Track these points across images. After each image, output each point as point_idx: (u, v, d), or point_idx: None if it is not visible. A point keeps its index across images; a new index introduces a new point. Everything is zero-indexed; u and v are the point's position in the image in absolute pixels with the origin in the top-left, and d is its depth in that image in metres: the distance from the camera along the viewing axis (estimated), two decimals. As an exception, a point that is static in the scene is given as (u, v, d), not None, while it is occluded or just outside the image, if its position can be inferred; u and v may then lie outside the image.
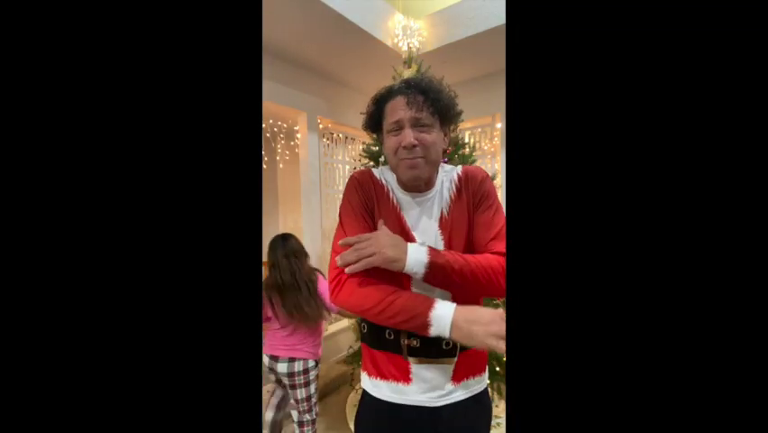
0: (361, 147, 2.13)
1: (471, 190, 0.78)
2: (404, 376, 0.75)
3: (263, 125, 3.03)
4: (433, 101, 0.72)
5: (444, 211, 0.77)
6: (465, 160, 2.00)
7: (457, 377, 0.75)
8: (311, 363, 1.56)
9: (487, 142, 2.76)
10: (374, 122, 0.80)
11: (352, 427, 1.90)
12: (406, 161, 0.72)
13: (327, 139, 2.71)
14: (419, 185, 0.76)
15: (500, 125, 2.66)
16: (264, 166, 3.77)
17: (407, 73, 1.81)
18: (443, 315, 0.63)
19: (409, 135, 0.70)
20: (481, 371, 0.80)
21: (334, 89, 2.65)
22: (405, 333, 0.72)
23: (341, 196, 3.09)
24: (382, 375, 0.77)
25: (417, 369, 0.74)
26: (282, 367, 1.54)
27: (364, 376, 0.82)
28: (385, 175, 0.82)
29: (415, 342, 0.72)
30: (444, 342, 0.71)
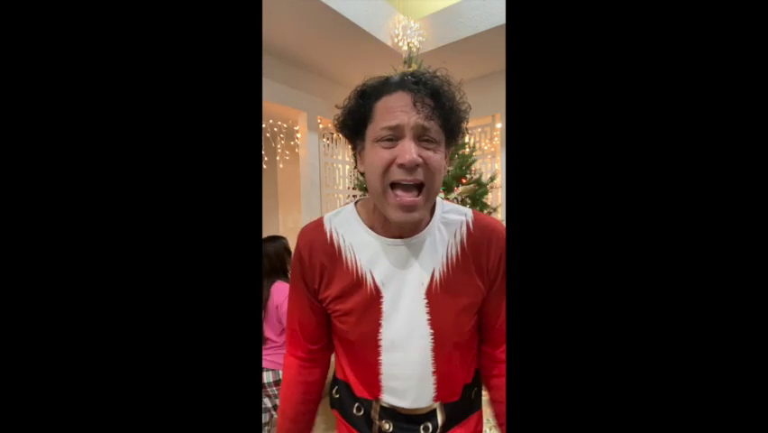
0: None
1: (492, 261, 0.55)
2: None
3: (263, 125, 3.03)
4: (445, 111, 0.50)
5: (437, 275, 0.54)
6: (465, 160, 2.00)
7: None
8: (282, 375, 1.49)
9: (487, 142, 2.76)
10: (355, 122, 0.53)
11: (351, 427, 1.89)
12: (398, 192, 0.48)
13: (327, 139, 2.71)
14: (405, 229, 0.54)
15: (500, 125, 2.66)
16: (264, 166, 3.77)
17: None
18: None
19: (411, 150, 0.47)
20: None
21: (334, 89, 2.65)
22: (376, 411, 0.58)
23: (341, 196, 3.08)
24: None
25: None
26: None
27: None
28: (334, 223, 0.58)
29: (387, 425, 0.57)
30: (423, 426, 0.57)
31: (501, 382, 0.60)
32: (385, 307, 0.54)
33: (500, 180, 2.61)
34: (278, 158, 3.56)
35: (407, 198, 0.48)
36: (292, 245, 1.59)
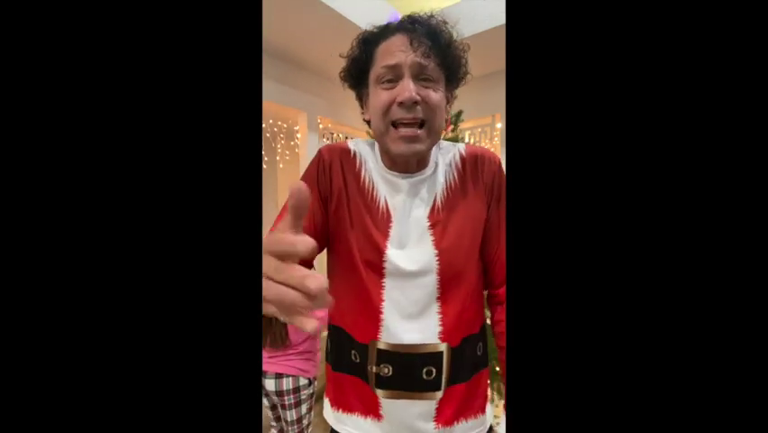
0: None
1: (486, 179, 0.59)
2: (373, 410, 0.57)
3: (263, 125, 3.03)
4: (442, 49, 0.51)
5: (439, 200, 0.57)
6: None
7: (443, 418, 0.55)
8: (302, 382, 1.36)
9: (487, 142, 2.76)
10: (357, 69, 0.55)
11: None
12: (401, 128, 0.50)
13: (327, 139, 2.70)
14: (411, 163, 0.57)
15: (500, 125, 2.66)
16: (264, 166, 3.77)
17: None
18: None
19: (410, 87, 0.49)
20: (479, 410, 0.60)
21: (334, 89, 2.65)
22: (373, 357, 0.55)
23: (341, 196, 3.09)
24: (347, 407, 0.59)
25: (389, 405, 0.55)
26: (270, 384, 1.35)
27: (326, 405, 0.63)
28: (359, 147, 0.60)
29: (386, 369, 0.55)
30: (426, 370, 0.54)
31: (504, 326, 0.59)
32: (392, 231, 0.55)
33: (500, 180, 2.61)
34: (278, 158, 3.56)
35: (409, 131, 0.50)
36: None
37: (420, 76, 0.50)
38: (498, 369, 1.71)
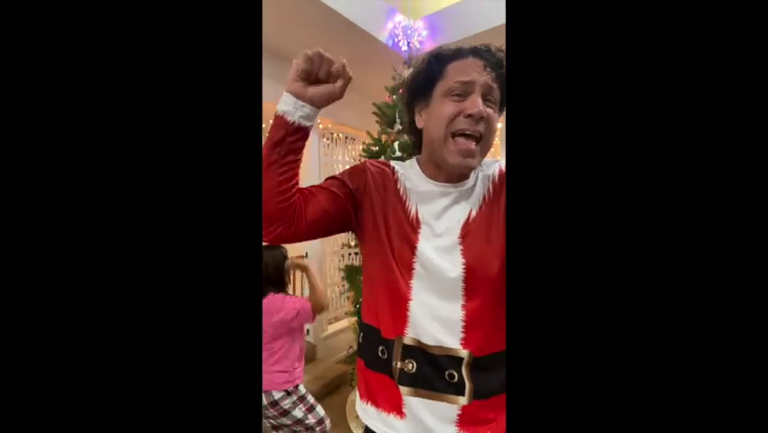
0: (361, 147, 2.13)
1: None
2: (396, 407, 0.58)
3: (263, 125, 3.02)
4: (503, 79, 0.57)
5: (474, 212, 0.59)
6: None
7: (466, 423, 0.55)
8: (277, 395, 1.33)
9: (487, 142, 2.75)
10: (426, 80, 0.60)
11: (352, 427, 1.89)
12: (459, 140, 0.55)
13: (327, 139, 2.70)
14: (455, 174, 0.61)
15: (500, 125, 2.65)
16: (264, 166, 3.74)
17: (407, 73, 1.80)
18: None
19: (480, 103, 0.54)
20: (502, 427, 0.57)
21: (334, 89, 2.64)
22: (399, 350, 0.57)
23: (341, 195, 3.07)
24: (374, 401, 0.61)
25: (412, 403, 0.56)
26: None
27: (357, 397, 0.66)
28: (396, 164, 0.67)
29: (410, 365, 0.56)
30: (448, 373, 0.55)
31: None
32: (422, 236, 0.59)
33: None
34: (278, 158, 3.54)
35: (469, 144, 0.56)
36: (291, 251, 1.52)
37: (487, 96, 0.56)
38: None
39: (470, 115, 0.55)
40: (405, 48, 2.15)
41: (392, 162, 0.68)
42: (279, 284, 1.41)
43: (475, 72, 0.56)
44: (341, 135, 2.81)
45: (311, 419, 1.39)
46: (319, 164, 2.59)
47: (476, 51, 0.57)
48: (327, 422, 1.45)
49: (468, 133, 0.56)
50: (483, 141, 0.57)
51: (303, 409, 1.38)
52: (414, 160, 0.68)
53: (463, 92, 0.56)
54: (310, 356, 2.50)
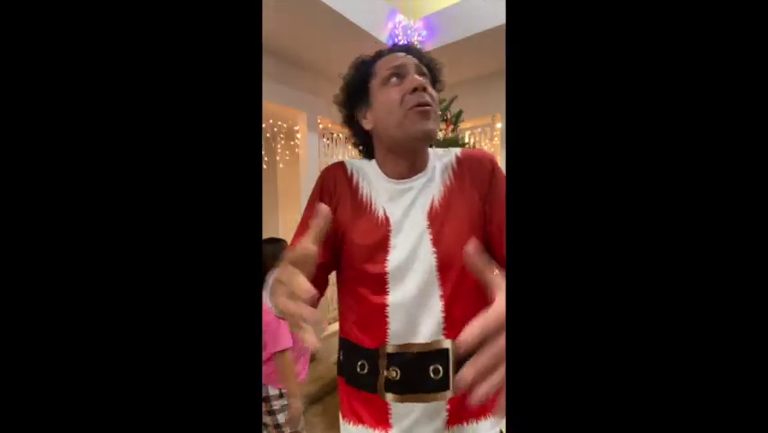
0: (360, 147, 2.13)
1: (479, 177, 0.62)
2: (383, 421, 0.57)
3: (263, 125, 3.03)
4: (425, 61, 0.64)
5: (437, 200, 0.60)
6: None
7: (454, 419, 0.56)
8: (272, 392, 1.33)
9: (487, 142, 2.76)
10: (360, 85, 0.63)
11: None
12: (416, 110, 0.57)
13: (327, 139, 2.71)
14: (417, 160, 0.62)
15: (500, 125, 2.66)
16: (264, 166, 3.76)
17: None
18: None
19: (418, 79, 0.58)
20: (489, 411, 0.59)
21: (334, 89, 2.64)
22: (383, 359, 0.56)
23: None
24: (358, 418, 0.59)
25: (399, 410, 0.56)
26: None
27: (340, 418, 0.64)
28: (354, 164, 0.67)
29: (394, 373, 0.55)
30: (433, 368, 0.55)
31: None
32: (392, 235, 0.59)
33: (500, 180, 2.61)
34: (278, 158, 3.56)
35: (423, 109, 0.58)
36: None
37: (419, 74, 0.61)
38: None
39: (414, 89, 0.58)
40: (405, 48, 2.15)
41: (347, 163, 0.67)
42: None
43: (401, 58, 0.61)
44: (341, 135, 2.81)
45: (287, 429, 1.35)
46: (319, 164, 2.59)
47: (394, 48, 0.64)
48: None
49: (419, 104, 0.58)
50: (432, 108, 0.59)
51: (287, 416, 1.35)
52: (373, 161, 0.67)
53: (399, 74, 0.60)
54: (310, 356, 2.50)
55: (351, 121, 0.68)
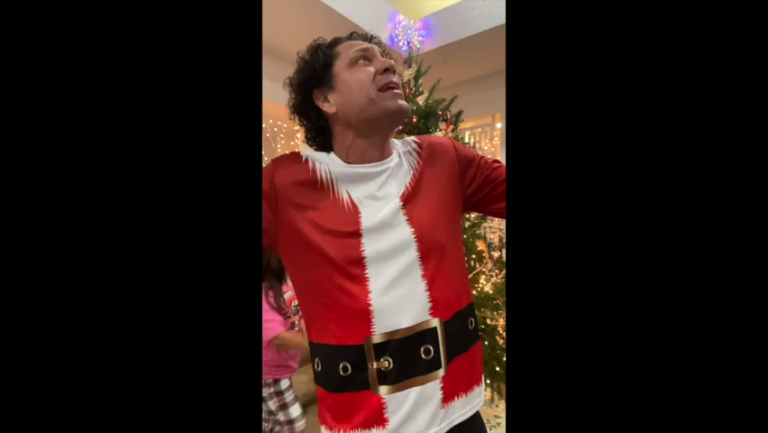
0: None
1: (446, 158, 0.65)
2: (376, 419, 0.54)
3: (263, 125, 3.02)
4: (388, 54, 0.64)
5: (408, 182, 0.61)
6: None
7: (447, 396, 0.56)
8: (265, 381, 1.40)
9: (487, 142, 2.76)
10: (321, 69, 0.61)
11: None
12: (389, 91, 0.58)
13: (327, 139, 2.70)
14: (386, 144, 0.62)
15: (500, 125, 2.66)
16: (264, 166, 3.74)
17: (407, 73, 1.81)
18: None
19: (388, 60, 0.60)
20: (475, 382, 0.61)
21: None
22: (371, 355, 0.54)
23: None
24: (346, 424, 0.56)
25: (394, 401, 0.54)
26: None
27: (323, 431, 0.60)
28: (311, 155, 0.64)
29: (386, 363, 0.53)
30: (423, 349, 0.54)
31: None
32: (363, 219, 0.57)
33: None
34: (278, 158, 3.54)
35: (395, 89, 0.59)
36: None
37: (384, 56, 0.62)
38: (498, 369, 1.71)
39: (386, 70, 0.58)
40: (405, 48, 2.15)
41: (304, 153, 0.64)
42: (279, 276, 1.42)
43: (366, 43, 0.61)
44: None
45: (281, 417, 1.41)
46: (319, 164, 2.59)
47: (353, 36, 0.64)
48: (299, 424, 1.43)
49: (391, 84, 0.59)
50: (401, 92, 0.61)
51: (276, 404, 1.41)
52: (331, 153, 0.64)
53: (366, 57, 0.60)
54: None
55: (305, 107, 0.64)
